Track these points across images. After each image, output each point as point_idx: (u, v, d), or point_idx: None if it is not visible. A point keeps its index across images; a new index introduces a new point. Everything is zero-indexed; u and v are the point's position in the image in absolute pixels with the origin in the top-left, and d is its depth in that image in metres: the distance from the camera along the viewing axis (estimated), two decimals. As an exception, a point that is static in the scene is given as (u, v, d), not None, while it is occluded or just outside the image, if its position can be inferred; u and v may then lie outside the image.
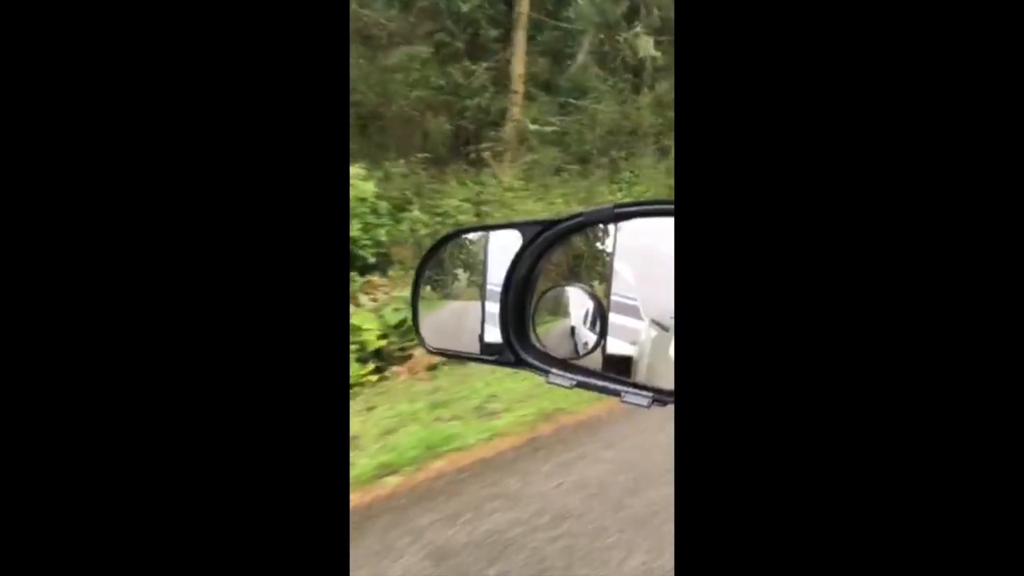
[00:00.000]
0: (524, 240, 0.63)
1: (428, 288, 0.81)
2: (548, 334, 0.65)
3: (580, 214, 0.60)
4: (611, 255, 0.61)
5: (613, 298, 0.60)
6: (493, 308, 0.67)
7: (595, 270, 0.65)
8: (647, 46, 8.92)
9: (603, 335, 0.60)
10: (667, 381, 0.54)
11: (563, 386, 0.62)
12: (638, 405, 0.56)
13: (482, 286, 0.70)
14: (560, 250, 0.64)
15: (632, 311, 0.58)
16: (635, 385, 0.58)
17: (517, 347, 0.65)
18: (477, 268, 0.73)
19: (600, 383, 0.60)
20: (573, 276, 0.66)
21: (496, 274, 0.66)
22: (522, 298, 0.65)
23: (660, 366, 0.56)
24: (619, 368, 0.59)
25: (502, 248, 0.67)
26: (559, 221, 0.61)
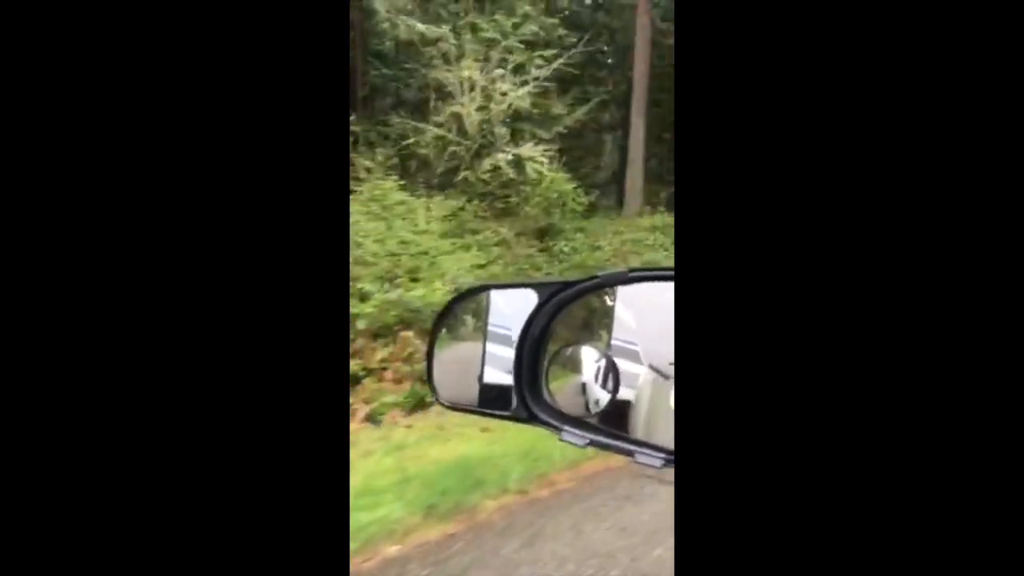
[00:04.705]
0: (540, 299, 0.65)
1: (446, 333, 0.83)
2: (561, 391, 0.66)
3: (596, 276, 0.61)
4: (614, 302, 0.62)
5: (614, 343, 0.60)
6: (496, 353, 0.68)
7: (605, 324, 0.66)
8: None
9: (616, 393, 0.61)
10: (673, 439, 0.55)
11: (576, 444, 0.62)
12: (651, 466, 0.56)
13: (483, 333, 0.72)
14: (574, 310, 0.65)
15: (632, 356, 0.59)
16: (648, 445, 0.58)
17: (531, 403, 0.66)
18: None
19: (613, 443, 0.60)
20: (586, 331, 0.67)
21: (504, 325, 0.68)
22: (536, 355, 0.66)
23: (661, 421, 0.57)
24: (618, 413, 0.60)
25: (519, 305, 0.68)
26: (575, 283, 0.62)
